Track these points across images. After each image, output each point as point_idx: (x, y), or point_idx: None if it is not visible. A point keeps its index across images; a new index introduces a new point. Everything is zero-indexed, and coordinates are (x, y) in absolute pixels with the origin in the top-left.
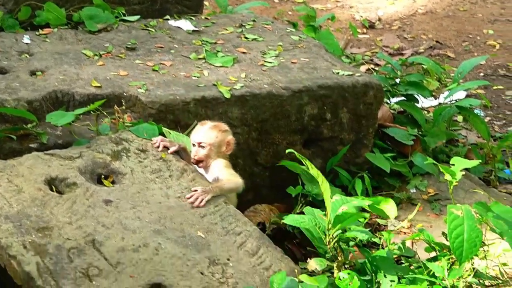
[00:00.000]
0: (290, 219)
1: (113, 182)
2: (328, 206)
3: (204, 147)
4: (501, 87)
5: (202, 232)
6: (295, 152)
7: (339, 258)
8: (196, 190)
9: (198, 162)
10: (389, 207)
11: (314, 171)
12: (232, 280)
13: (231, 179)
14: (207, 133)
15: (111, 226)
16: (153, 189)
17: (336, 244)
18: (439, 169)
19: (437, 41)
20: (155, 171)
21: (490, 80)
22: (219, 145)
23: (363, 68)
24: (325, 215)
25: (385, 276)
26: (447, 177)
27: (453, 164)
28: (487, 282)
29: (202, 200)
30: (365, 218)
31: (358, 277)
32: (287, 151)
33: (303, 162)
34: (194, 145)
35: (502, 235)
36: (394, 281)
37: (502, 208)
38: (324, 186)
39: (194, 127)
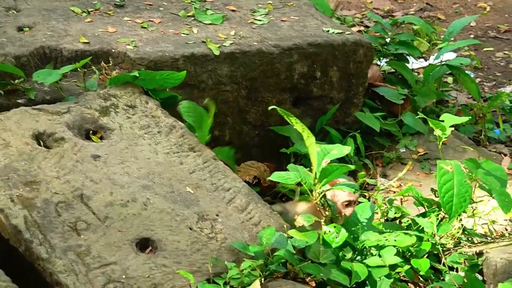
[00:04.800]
0: (276, 176)
1: (101, 138)
2: (314, 161)
3: None
4: (491, 48)
5: (191, 188)
6: (278, 109)
7: (327, 213)
8: None
9: None
10: None
11: (299, 126)
12: (221, 236)
13: None
14: None
15: (99, 181)
16: (142, 145)
17: (323, 199)
18: (429, 129)
19: (427, 3)
20: (144, 127)
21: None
22: None
23: (353, 30)
24: (311, 170)
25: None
26: (437, 132)
27: (443, 120)
28: (475, 240)
29: None
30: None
31: (345, 230)
32: (270, 108)
33: (288, 119)
34: None
35: (491, 192)
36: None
37: (492, 165)
38: (310, 141)
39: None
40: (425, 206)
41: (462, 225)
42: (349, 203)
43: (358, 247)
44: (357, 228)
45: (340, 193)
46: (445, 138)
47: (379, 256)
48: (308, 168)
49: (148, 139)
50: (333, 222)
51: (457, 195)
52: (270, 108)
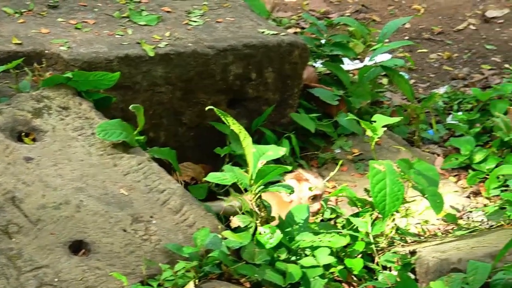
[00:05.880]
0: (212, 177)
1: (34, 140)
2: (250, 162)
3: None
4: (425, 50)
5: (125, 189)
6: (215, 109)
7: (262, 214)
8: None
9: None
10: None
11: (236, 127)
12: (155, 237)
13: None
14: None
15: (31, 183)
16: (75, 147)
17: (258, 200)
18: (363, 129)
19: (363, 5)
20: (77, 128)
21: (415, 43)
22: None
23: (289, 31)
24: (247, 171)
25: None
26: (369, 132)
27: (375, 121)
28: (408, 239)
29: None
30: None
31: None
32: (206, 108)
33: (224, 120)
34: None
35: (423, 192)
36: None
37: (424, 165)
38: (246, 141)
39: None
40: (359, 206)
41: (395, 224)
42: (314, 198)
43: (293, 247)
44: (293, 229)
45: (305, 189)
46: (377, 138)
47: (313, 256)
48: (243, 169)
49: (81, 141)
50: (268, 222)
51: (389, 195)
52: (207, 108)
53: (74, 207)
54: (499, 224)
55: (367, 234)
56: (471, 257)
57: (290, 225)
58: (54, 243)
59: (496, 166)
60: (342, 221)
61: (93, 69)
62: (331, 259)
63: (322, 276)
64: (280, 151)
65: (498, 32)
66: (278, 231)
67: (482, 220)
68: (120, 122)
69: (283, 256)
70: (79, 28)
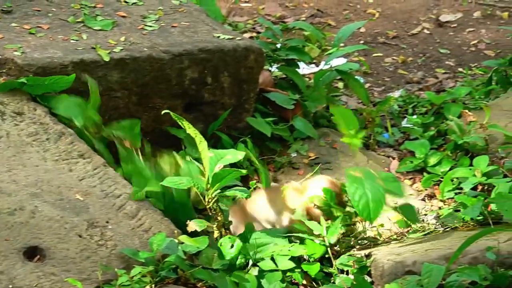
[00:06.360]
0: (168, 181)
1: None
2: (206, 166)
3: None
4: (380, 54)
5: (81, 195)
6: (171, 113)
7: (219, 218)
8: None
9: None
10: None
11: (191, 131)
12: (111, 243)
13: None
14: None
15: None
16: (30, 152)
17: (214, 204)
18: (319, 133)
19: (318, 10)
20: (32, 134)
21: (370, 48)
22: None
23: (245, 36)
24: (203, 175)
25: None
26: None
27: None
28: (365, 242)
29: None
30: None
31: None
32: (162, 112)
33: (180, 124)
34: None
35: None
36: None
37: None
38: (202, 145)
39: None
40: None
41: (352, 228)
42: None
43: (253, 252)
44: (253, 235)
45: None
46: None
47: (272, 260)
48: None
49: (36, 146)
50: (225, 227)
51: (372, 200)
52: (163, 112)
53: (29, 213)
54: (453, 226)
55: (323, 238)
56: (425, 260)
57: (251, 231)
58: (8, 249)
59: (450, 169)
60: (301, 225)
61: (47, 74)
62: (290, 264)
63: (282, 281)
64: (238, 155)
65: (452, 36)
66: (238, 240)
67: (437, 222)
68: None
69: (242, 260)
70: (33, 33)
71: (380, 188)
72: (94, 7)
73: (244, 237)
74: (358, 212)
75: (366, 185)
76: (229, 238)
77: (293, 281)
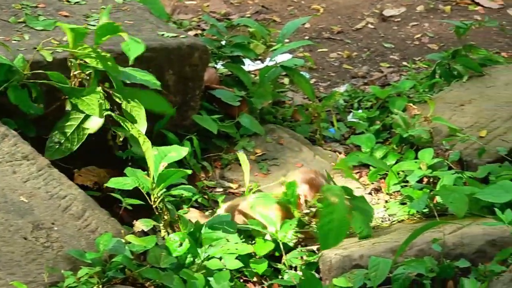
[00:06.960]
0: (113, 182)
1: None
2: (151, 165)
3: None
4: (325, 49)
5: (25, 197)
6: (113, 114)
7: (165, 217)
8: None
9: None
10: None
11: (135, 131)
12: (57, 244)
13: None
14: None
15: None
16: None
17: (161, 203)
18: (266, 130)
19: (263, 6)
20: None
21: (315, 43)
22: None
23: (190, 33)
24: (148, 174)
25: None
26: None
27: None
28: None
29: None
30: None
31: (189, 239)
32: (105, 113)
33: (123, 125)
34: None
35: None
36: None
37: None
38: (146, 145)
39: None
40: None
41: (300, 222)
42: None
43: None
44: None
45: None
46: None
47: (220, 259)
48: (146, 172)
49: None
50: (172, 226)
51: (334, 230)
52: (105, 113)
53: None
54: (399, 219)
55: (275, 232)
56: (372, 253)
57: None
58: None
59: (396, 162)
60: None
61: None
62: (238, 264)
63: (231, 280)
64: (182, 151)
65: (396, 31)
66: (187, 240)
67: (384, 216)
68: None
69: (190, 259)
70: None
71: (347, 222)
72: (36, 7)
73: (193, 235)
74: (318, 234)
75: (336, 216)
76: (177, 235)
77: (244, 278)
